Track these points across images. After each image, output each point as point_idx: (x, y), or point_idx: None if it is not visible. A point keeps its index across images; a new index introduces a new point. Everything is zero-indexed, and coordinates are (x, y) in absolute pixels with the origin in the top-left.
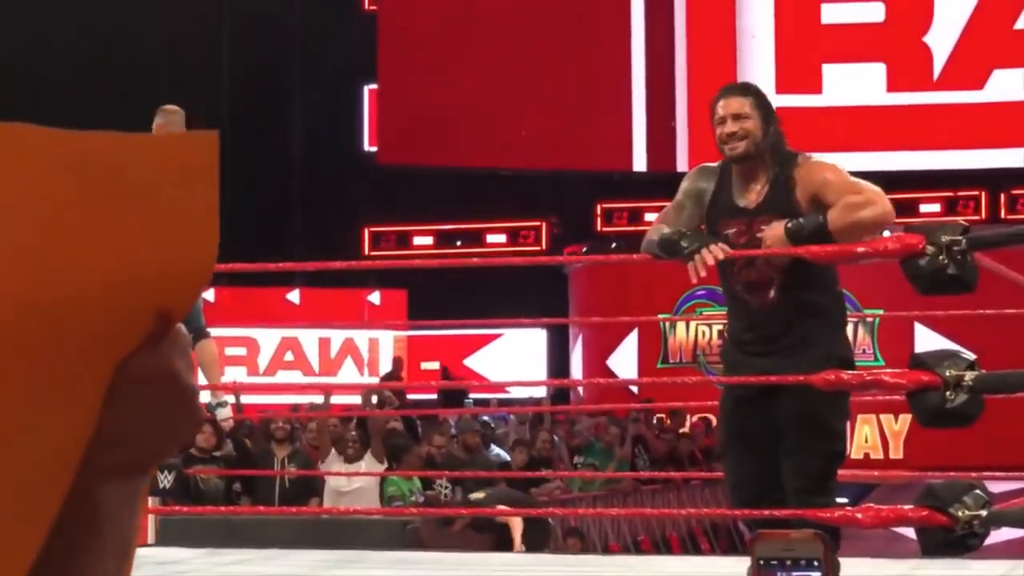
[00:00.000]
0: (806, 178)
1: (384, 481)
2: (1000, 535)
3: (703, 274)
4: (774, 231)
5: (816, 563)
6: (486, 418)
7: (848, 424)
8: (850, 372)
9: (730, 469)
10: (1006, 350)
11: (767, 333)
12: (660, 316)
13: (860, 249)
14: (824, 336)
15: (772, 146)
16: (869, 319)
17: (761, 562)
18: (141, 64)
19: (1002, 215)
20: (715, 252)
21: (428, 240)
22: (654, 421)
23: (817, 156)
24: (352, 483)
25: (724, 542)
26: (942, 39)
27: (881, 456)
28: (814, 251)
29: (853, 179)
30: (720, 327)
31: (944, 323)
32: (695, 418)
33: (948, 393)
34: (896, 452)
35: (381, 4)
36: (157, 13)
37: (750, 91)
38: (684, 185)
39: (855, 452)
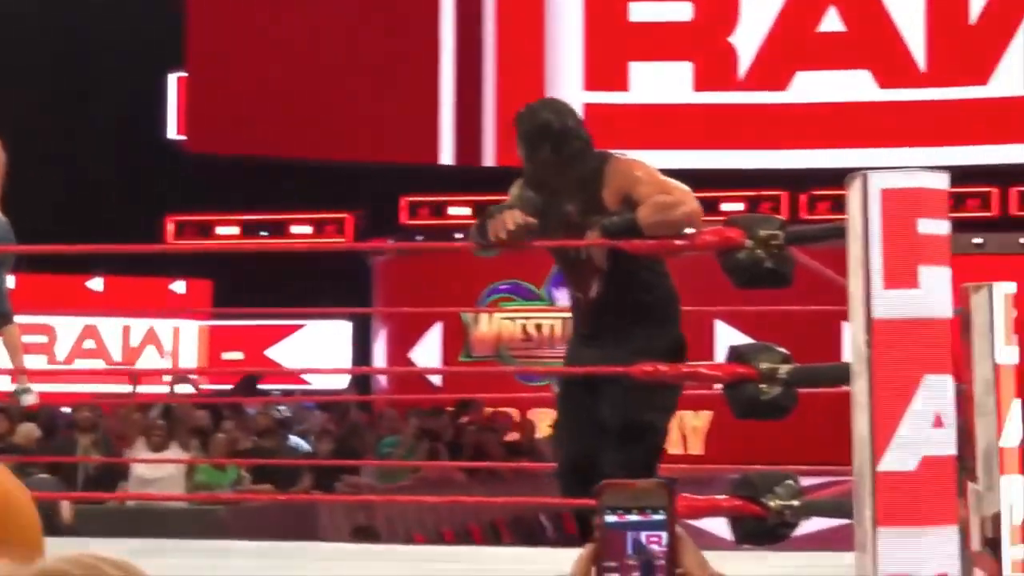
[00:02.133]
0: (614, 177)
1: (192, 470)
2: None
3: (502, 235)
4: (593, 233)
5: (661, 511)
6: (283, 408)
7: (669, 418)
8: (666, 365)
9: (557, 456)
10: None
11: (594, 327)
12: (463, 309)
13: (679, 242)
14: (646, 330)
15: (557, 165)
16: None
17: (607, 512)
18: None
19: (802, 215)
20: (514, 216)
21: (233, 230)
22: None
23: (626, 155)
24: (156, 472)
25: (525, 534)
26: (748, 40)
27: (681, 451)
28: (634, 244)
29: (663, 177)
30: (523, 321)
31: (743, 320)
32: (497, 411)
33: (763, 386)
34: (695, 448)
35: None
36: None
37: (514, 121)
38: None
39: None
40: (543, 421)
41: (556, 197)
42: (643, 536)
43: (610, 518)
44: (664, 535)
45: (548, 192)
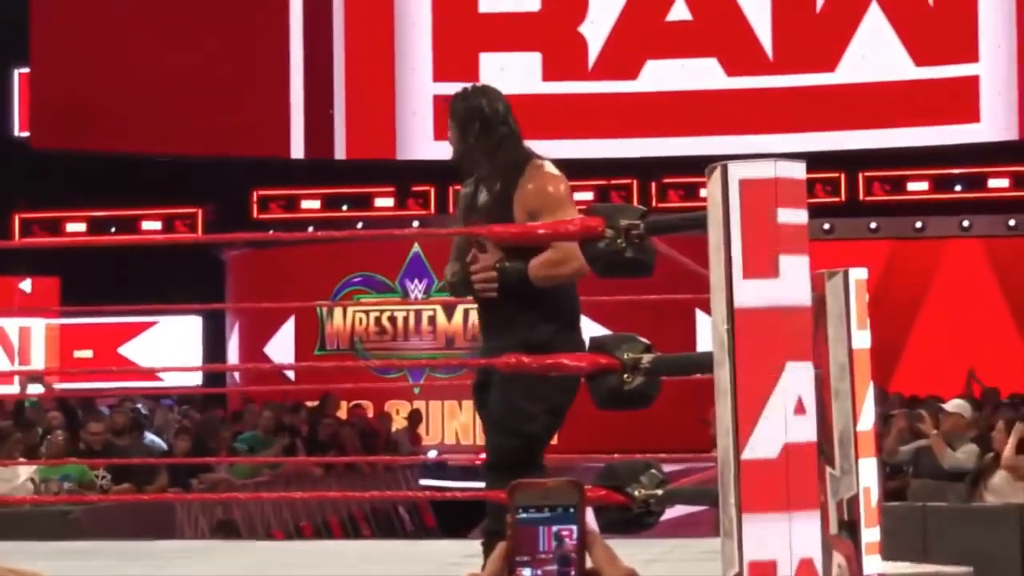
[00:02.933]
0: (528, 184)
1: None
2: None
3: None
4: (487, 260)
5: (572, 509)
6: (139, 406)
7: (548, 409)
8: (530, 356)
9: None
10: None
11: (485, 321)
12: (317, 302)
13: (541, 231)
14: (525, 324)
15: (486, 149)
16: None
17: (520, 511)
18: None
19: (653, 203)
20: (488, 275)
21: (81, 227)
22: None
23: (547, 167)
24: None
25: (384, 526)
26: (597, 29)
27: None
28: (497, 231)
29: (561, 210)
30: (376, 314)
31: (600, 310)
32: (352, 404)
33: (626, 376)
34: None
35: None
36: None
37: (448, 103)
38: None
39: None
40: (398, 414)
41: (479, 183)
42: (555, 530)
43: (522, 515)
44: (575, 529)
45: (473, 176)
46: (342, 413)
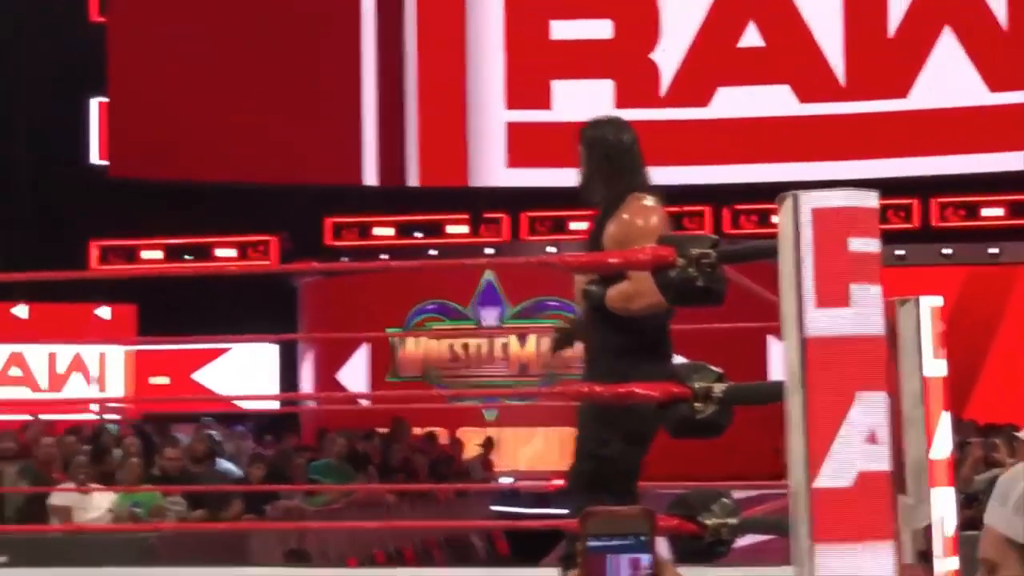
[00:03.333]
0: (619, 221)
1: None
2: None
3: None
4: (579, 282)
5: (643, 538)
6: (214, 433)
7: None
8: (602, 385)
9: None
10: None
11: (584, 348)
12: (389, 330)
13: (613, 260)
14: (611, 352)
15: (605, 179)
16: None
17: (591, 539)
18: None
19: (725, 230)
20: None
21: (157, 254)
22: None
23: (645, 200)
24: (89, 511)
25: (457, 554)
26: (669, 57)
27: None
28: (567, 259)
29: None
30: (449, 341)
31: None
32: (424, 431)
33: (697, 404)
34: None
35: (110, 15)
36: None
37: (579, 130)
38: None
39: None
40: (471, 441)
41: (599, 211)
42: (624, 559)
43: (593, 543)
44: (646, 558)
45: (594, 203)
46: (414, 439)
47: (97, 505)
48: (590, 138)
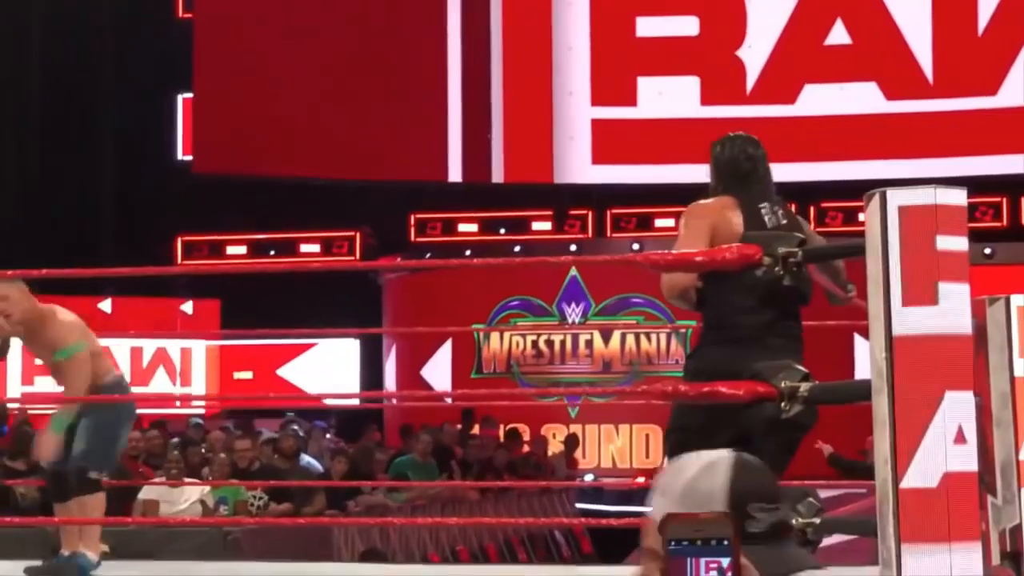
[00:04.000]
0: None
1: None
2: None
3: None
4: None
5: (725, 542)
6: (295, 427)
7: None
8: (687, 384)
9: None
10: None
11: None
12: (474, 326)
13: (698, 258)
14: (698, 350)
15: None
16: (682, 329)
17: (672, 543)
18: None
19: (812, 228)
20: None
21: (242, 250)
22: (470, 431)
23: (699, 202)
24: (176, 504)
25: (541, 551)
26: (755, 54)
27: None
28: (653, 258)
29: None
30: (533, 337)
31: None
32: (507, 427)
33: (784, 404)
34: None
35: (197, 11)
36: None
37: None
38: None
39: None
40: (555, 437)
41: None
42: (704, 562)
43: (674, 546)
44: (726, 561)
45: None
46: (494, 434)
47: (186, 499)
48: (714, 155)
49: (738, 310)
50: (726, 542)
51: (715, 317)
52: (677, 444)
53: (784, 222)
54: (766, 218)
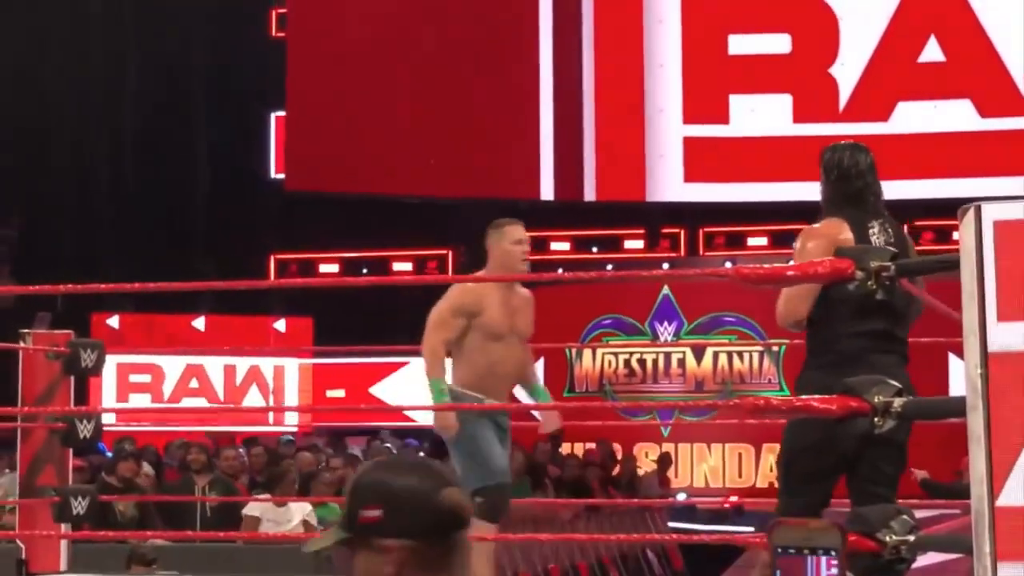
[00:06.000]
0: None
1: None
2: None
3: None
4: None
5: (834, 552)
6: (387, 445)
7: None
8: (780, 398)
9: None
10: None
11: None
12: (566, 344)
13: (790, 273)
14: (801, 375)
15: (825, 202)
16: (775, 348)
17: (779, 550)
18: (46, 91)
19: None
20: None
21: (334, 268)
22: (560, 450)
23: (815, 225)
24: (281, 524)
25: (633, 571)
26: (848, 71)
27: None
28: (743, 272)
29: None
30: (626, 356)
31: None
32: (595, 446)
33: (877, 419)
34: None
35: (290, 31)
36: (61, 38)
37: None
38: None
39: (760, 481)
40: (647, 456)
41: None
42: (814, 563)
43: (783, 551)
44: (835, 564)
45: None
46: (589, 454)
47: (288, 519)
48: (824, 161)
49: (839, 333)
50: (835, 552)
51: (817, 342)
52: (783, 464)
53: (892, 240)
54: (873, 238)
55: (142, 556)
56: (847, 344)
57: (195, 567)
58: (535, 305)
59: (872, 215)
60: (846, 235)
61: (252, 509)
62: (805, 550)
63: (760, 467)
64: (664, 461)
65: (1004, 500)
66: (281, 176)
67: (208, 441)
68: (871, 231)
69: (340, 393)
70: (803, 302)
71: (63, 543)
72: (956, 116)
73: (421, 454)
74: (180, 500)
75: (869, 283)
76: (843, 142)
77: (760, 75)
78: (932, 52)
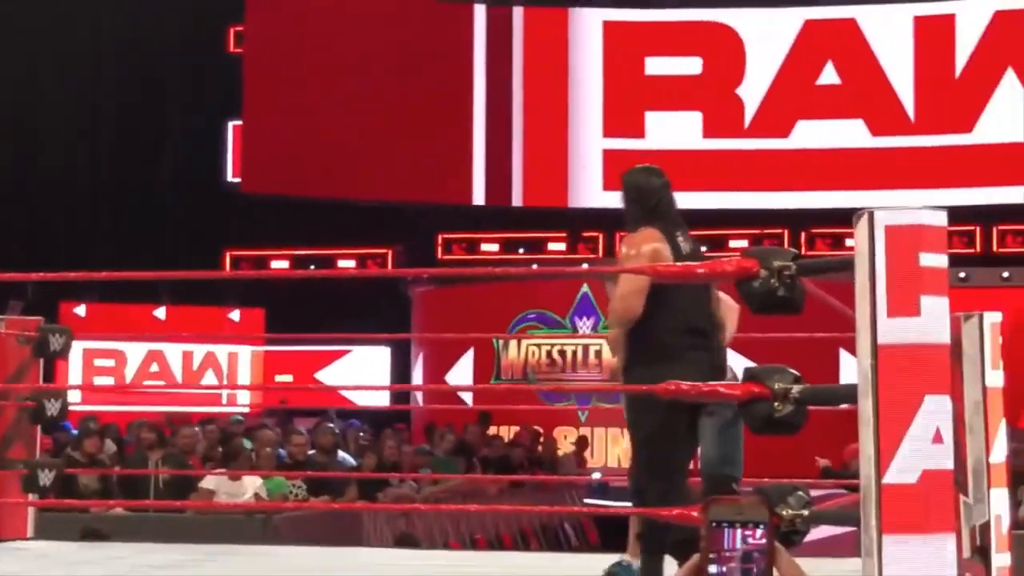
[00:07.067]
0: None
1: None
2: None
3: None
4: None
5: (762, 525)
6: (331, 425)
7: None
8: (689, 384)
9: None
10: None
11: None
12: (494, 335)
13: (700, 271)
14: (630, 366)
15: (632, 220)
16: None
17: (713, 524)
18: (22, 99)
19: (802, 252)
20: None
21: (284, 264)
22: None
23: (640, 232)
24: (235, 495)
25: (552, 542)
26: (753, 91)
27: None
28: (660, 270)
29: (623, 278)
30: (548, 347)
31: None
32: (519, 428)
33: (776, 404)
34: None
35: (246, 47)
36: (34, 49)
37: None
38: None
39: None
40: (566, 439)
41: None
42: (741, 534)
43: (717, 525)
44: (759, 532)
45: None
46: (508, 434)
47: (243, 492)
48: (624, 183)
49: (661, 330)
50: (762, 525)
51: (639, 338)
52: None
53: (693, 246)
54: (681, 243)
55: (96, 532)
56: (669, 340)
57: (152, 537)
58: (467, 302)
59: (674, 225)
60: (661, 240)
61: (207, 482)
62: (736, 524)
63: None
64: (581, 443)
65: (890, 478)
66: (237, 180)
67: (162, 421)
68: (679, 238)
69: (288, 378)
70: (640, 299)
71: (30, 511)
72: (850, 134)
73: (362, 434)
74: (138, 473)
75: (772, 281)
76: (638, 166)
77: (673, 94)
78: (829, 76)
